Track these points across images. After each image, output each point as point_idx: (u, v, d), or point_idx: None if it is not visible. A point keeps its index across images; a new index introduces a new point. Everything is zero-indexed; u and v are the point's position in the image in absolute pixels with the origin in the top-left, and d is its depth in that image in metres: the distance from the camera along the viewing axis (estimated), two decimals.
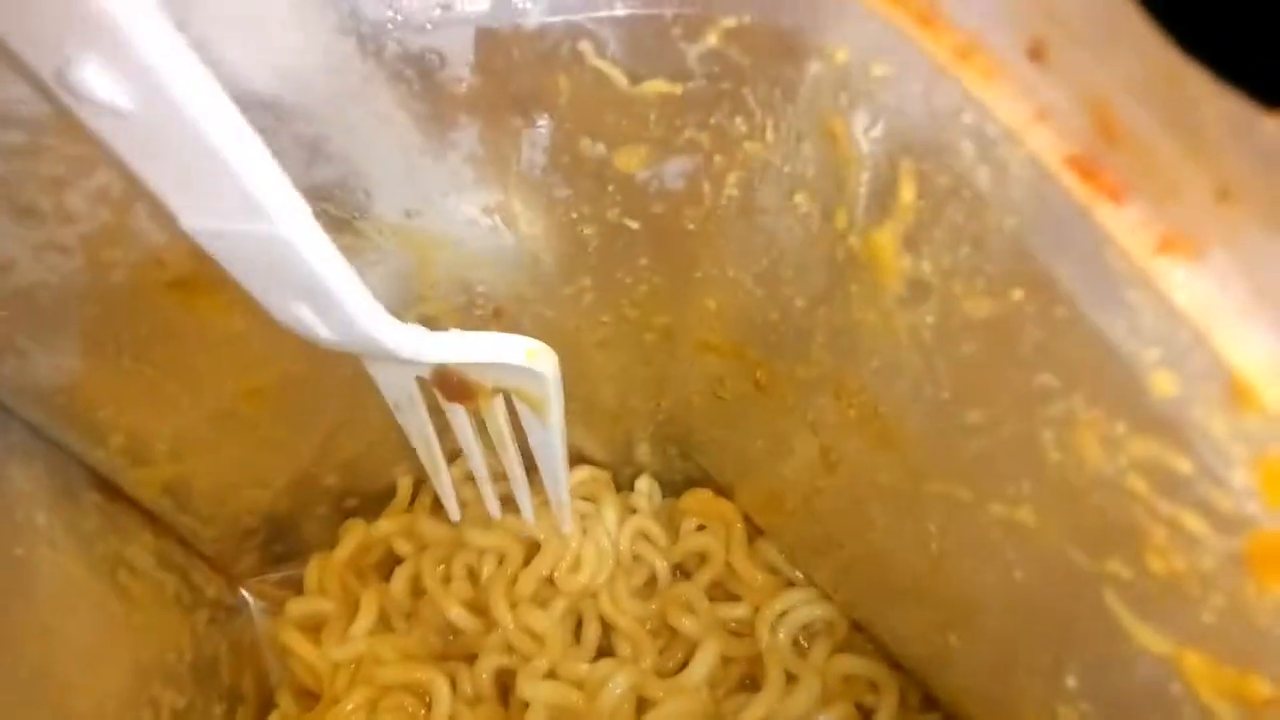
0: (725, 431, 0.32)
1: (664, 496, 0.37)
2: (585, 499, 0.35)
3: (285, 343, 0.21)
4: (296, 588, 0.36)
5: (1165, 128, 0.14)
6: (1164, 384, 0.15)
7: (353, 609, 0.34)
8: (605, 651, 0.33)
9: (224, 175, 0.16)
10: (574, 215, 0.24)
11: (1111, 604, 0.18)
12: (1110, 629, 0.18)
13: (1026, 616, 0.22)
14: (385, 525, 0.35)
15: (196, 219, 0.18)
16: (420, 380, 0.24)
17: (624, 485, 0.37)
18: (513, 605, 0.32)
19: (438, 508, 0.33)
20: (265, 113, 0.20)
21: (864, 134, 0.19)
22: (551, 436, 0.26)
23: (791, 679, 0.31)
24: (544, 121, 0.21)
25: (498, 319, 0.28)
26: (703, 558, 0.35)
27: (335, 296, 0.19)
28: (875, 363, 0.22)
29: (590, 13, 0.19)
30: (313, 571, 0.35)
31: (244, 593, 0.37)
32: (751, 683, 0.33)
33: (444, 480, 0.29)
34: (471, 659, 0.33)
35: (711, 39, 0.20)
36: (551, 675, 0.31)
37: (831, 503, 0.28)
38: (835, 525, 0.29)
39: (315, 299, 0.19)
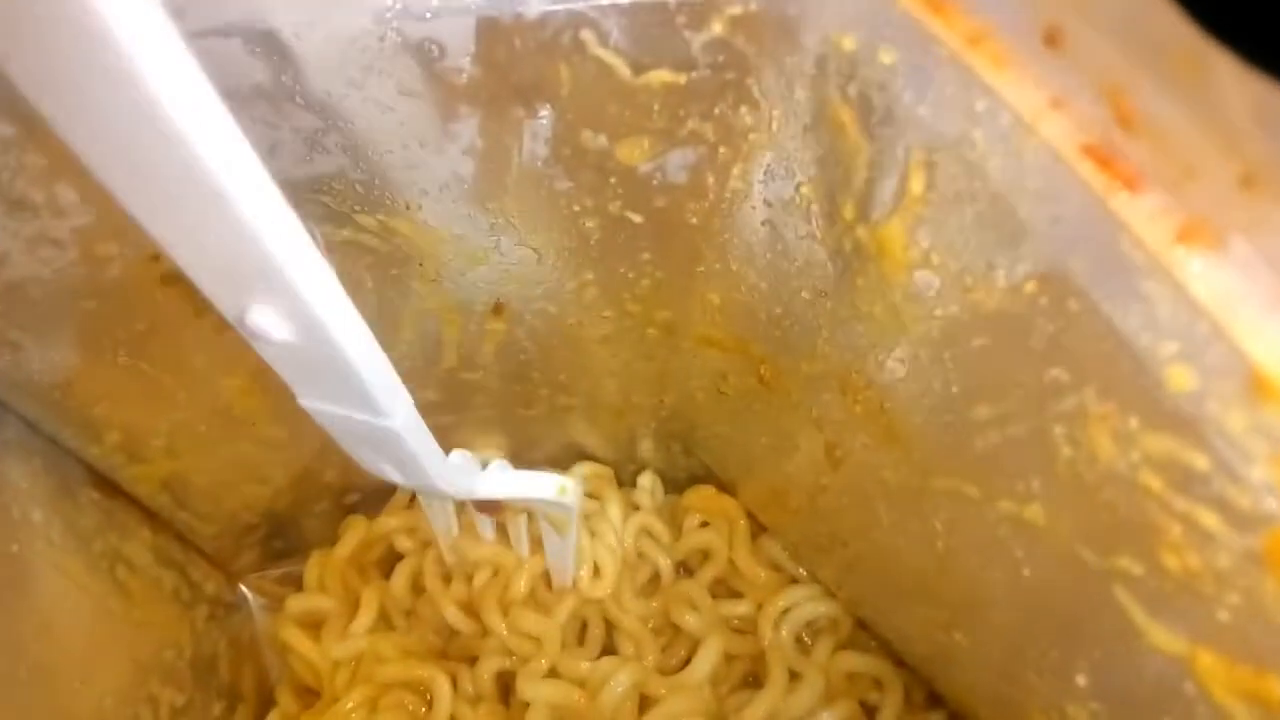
0: (729, 427, 0.32)
1: (667, 493, 0.37)
2: (589, 495, 0.35)
3: None
4: (296, 584, 0.36)
5: (1186, 114, 0.14)
6: (1180, 378, 0.15)
7: (353, 606, 0.34)
8: (607, 649, 0.33)
9: (352, 379, 0.18)
10: (576, 208, 0.24)
11: (1123, 602, 0.18)
12: (1122, 627, 0.18)
13: (1035, 615, 0.21)
14: (387, 522, 0.35)
15: (315, 402, 0.20)
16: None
17: (626, 481, 0.37)
18: (505, 611, 0.32)
19: None
20: (264, 104, 0.20)
21: (873, 124, 0.19)
22: (566, 544, 0.31)
23: (794, 676, 0.31)
24: (545, 113, 0.21)
25: (498, 314, 0.28)
26: (706, 555, 0.35)
27: (422, 464, 0.22)
28: (882, 357, 0.22)
29: (593, 1, 0.19)
30: (313, 568, 0.35)
31: (243, 589, 0.37)
32: (754, 680, 0.33)
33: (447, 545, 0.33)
34: (472, 660, 0.33)
35: (716, 27, 0.19)
36: (553, 674, 0.31)
37: (836, 500, 0.28)
38: (839, 522, 0.29)
39: (404, 466, 0.22)
